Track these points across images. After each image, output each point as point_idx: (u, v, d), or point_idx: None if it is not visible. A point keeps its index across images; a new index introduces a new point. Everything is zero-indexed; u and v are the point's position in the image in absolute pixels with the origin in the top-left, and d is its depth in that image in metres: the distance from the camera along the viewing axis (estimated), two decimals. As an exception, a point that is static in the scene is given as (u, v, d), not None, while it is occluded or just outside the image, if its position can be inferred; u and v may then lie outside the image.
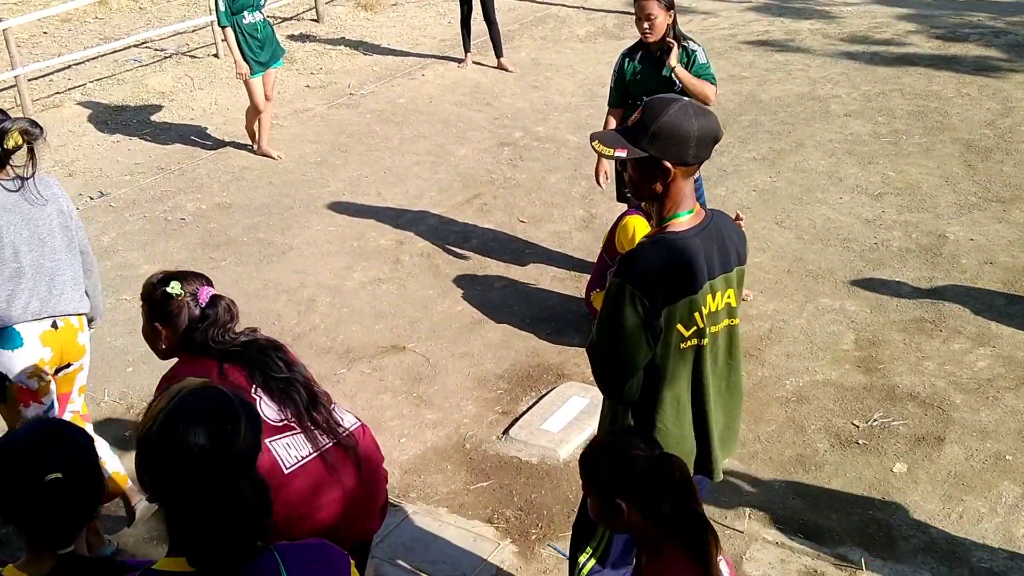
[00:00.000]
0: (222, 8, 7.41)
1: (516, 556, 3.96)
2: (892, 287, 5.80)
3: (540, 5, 12.39)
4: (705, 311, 2.69)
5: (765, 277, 5.96)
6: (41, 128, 3.53)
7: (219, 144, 8.43)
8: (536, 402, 4.92)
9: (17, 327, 3.53)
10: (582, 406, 4.80)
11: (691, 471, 2.89)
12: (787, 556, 3.88)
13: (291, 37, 11.13)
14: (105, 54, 10.48)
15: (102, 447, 3.84)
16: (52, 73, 10.02)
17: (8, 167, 3.56)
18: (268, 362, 2.85)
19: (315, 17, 11.88)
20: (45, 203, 3.62)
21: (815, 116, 8.50)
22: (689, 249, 2.64)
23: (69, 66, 10.18)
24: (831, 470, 4.36)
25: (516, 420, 4.80)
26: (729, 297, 2.76)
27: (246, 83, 7.70)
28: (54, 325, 3.62)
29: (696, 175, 2.74)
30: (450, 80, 9.91)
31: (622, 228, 5.14)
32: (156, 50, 10.78)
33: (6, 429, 3.76)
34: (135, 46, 10.78)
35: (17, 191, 3.56)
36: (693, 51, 5.26)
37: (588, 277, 5.69)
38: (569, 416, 4.74)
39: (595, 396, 4.79)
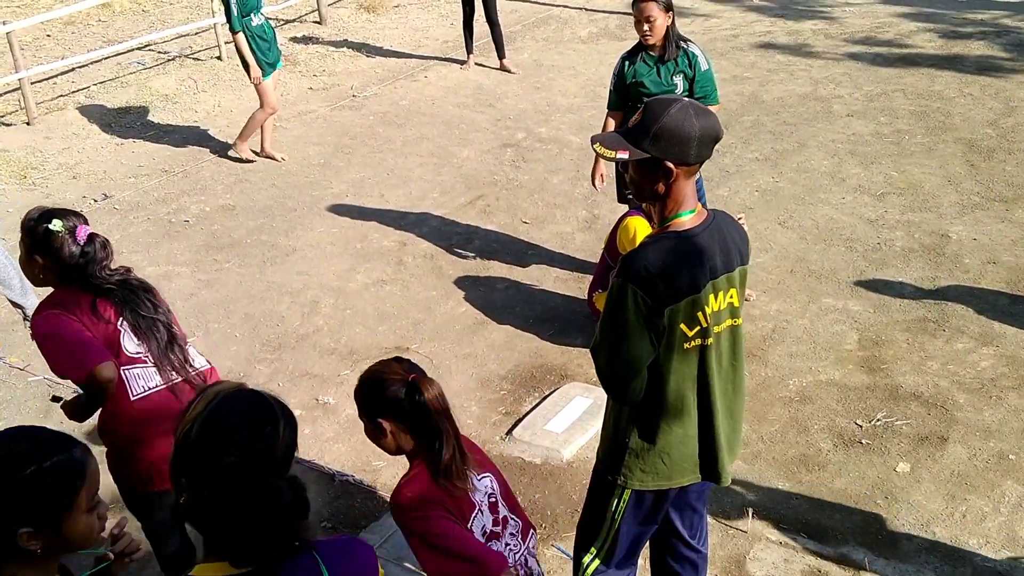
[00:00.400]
0: (235, 12, 7.41)
1: (520, 556, 3.97)
2: (895, 287, 5.80)
3: (542, 6, 12.40)
4: (708, 310, 2.69)
5: (768, 277, 5.96)
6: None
7: (223, 146, 8.44)
8: (539, 403, 4.93)
9: None
10: (585, 406, 4.80)
11: (696, 475, 2.90)
12: (790, 556, 3.88)
13: (294, 39, 11.15)
14: (109, 57, 10.50)
15: None
16: (56, 76, 10.05)
17: None
18: (138, 301, 3.16)
19: (318, 19, 11.90)
20: None
21: (817, 116, 8.51)
22: (691, 248, 2.65)
23: (73, 69, 10.20)
24: (834, 470, 4.36)
25: (520, 421, 4.81)
26: (732, 297, 2.76)
27: (259, 87, 7.71)
28: None
29: (697, 175, 2.75)
30: (453, 82, 9.92)
31: (623, 229, 5.15)
32: (160, 53, 10.80)
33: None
34: (138, 49, 10.80)
35: None
36: (694, 55, 5.27)
37: (591, 278, 5.69)
38: (572, 417, 4.75)
39: (598, 396, 4.80)
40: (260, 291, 6.16)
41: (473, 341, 5.55)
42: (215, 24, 10.38)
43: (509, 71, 10.06)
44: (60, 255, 3.08)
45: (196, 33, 11.21)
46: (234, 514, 1.74)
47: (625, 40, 10.10)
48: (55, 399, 3.28)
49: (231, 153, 8.15)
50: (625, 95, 5.38)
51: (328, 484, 4.45)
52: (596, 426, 4.61)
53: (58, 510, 1.87)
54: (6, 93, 9.50)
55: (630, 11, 5.42)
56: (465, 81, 9.93)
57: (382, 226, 6.94)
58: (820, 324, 5.48)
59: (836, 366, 5.11)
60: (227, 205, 7.39)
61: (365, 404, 2.66)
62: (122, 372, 3.08)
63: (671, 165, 2.60)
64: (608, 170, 5.70)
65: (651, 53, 5.29)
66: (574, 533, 3.19)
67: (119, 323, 3.11)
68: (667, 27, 5.20)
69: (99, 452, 4.56)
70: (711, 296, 2.69)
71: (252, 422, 1.78)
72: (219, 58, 10.48)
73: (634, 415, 2.83)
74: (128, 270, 3.25)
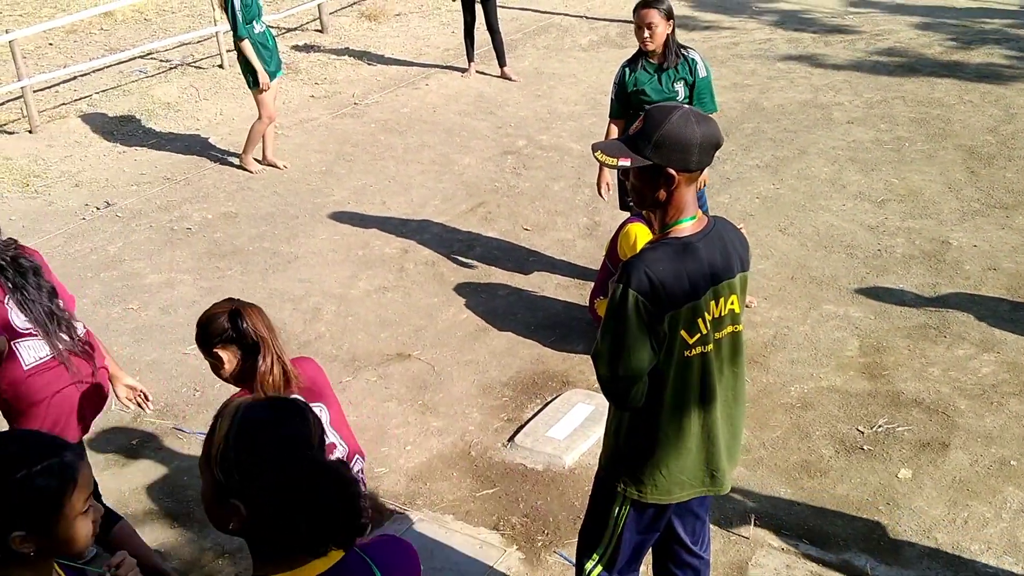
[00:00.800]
0: (240, 19, 7.43)
1: (522, 563, 3.97)
2: (896, 294, 5.81)
3: (543, 14, 12.43)
4: (708, 317, 2.70)
5: (769, 284, 5.97)
6: None
7: (225, 154, 8.46)
8: (541, 409, 4.94)
9: None
10: (587, 413, 4.81)
11: (695, 488, 2.89)
12: (792, 562, 3.89)
13: (295, 47, 11.18)
14: (111, 65, 10.53)
15: None
16: (58, 84, 10.07)
17: None
18: (27, 277, 3.39)
19: (319, 27, 11.93)
20: None
21: (818, 123, 8.53)
22: (692, 254, 2.66)
23: (75, 77, 10.22)
24: (836, 476, 4.37)
25: (521, 427, 4.81)
26: (733, 303, 2.77)
27: (258, 95, 7.72)
28: None
29: (697, 182, 2.76)
30: (454, 89, 9.94)
31: (624, 235, 5.16)
32: (161, 61, 10.83)
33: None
34: (140, 57, 10.83)
35: None
36: (694, 61, 5.30)
37: (592, 284, 5.70)
38: (574, 423, 4.76)
39: (600, 403, 4.81)
40: (262, 298, 6.17)
41: (475, 348, 5.56)
42: (217, 32, 10.41)
43: (510, 79, 10.08)
44: None
45: (198, 41, 11.24)
46: (301, 506, 1.71)
47: (626, 48, 10.13)
48: None
49: (239, 163, 8.17)
50: (626, 103, 5.40)
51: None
52: (598, 433, 4.62)
53: (50, 513, 1.88)
54: (9, 101, 9.52)
55: (631, 19, 5.44)
56: (466, 89, 9.95)
57: (384, 233, 6.96)
58: (821, 330, 5.49)
59: (837, 372, 5.11)
60: (229, 212, 7.40)
61: (203, 341, 3.01)
62: (13, 345, 3.36)
63: (672, 172, 2.61)
64: (612, 178, 5.71)
65: (651, 61, 5.31)
66: (576, 540, 3.20)
67: (5, 299, 3.35)
68: (667, 35, 5.22)
69: (94, 457, 4.56)
70: (711, 302, 2.71)
71: (280, 418, 1.78)
72: (221, 66, 10.50)
73: (634, 423, 2.84)
74: (18, 247, 3.46)
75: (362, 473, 3.11)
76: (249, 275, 6.47)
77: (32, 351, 3.40)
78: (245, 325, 2.98)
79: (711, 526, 3.45)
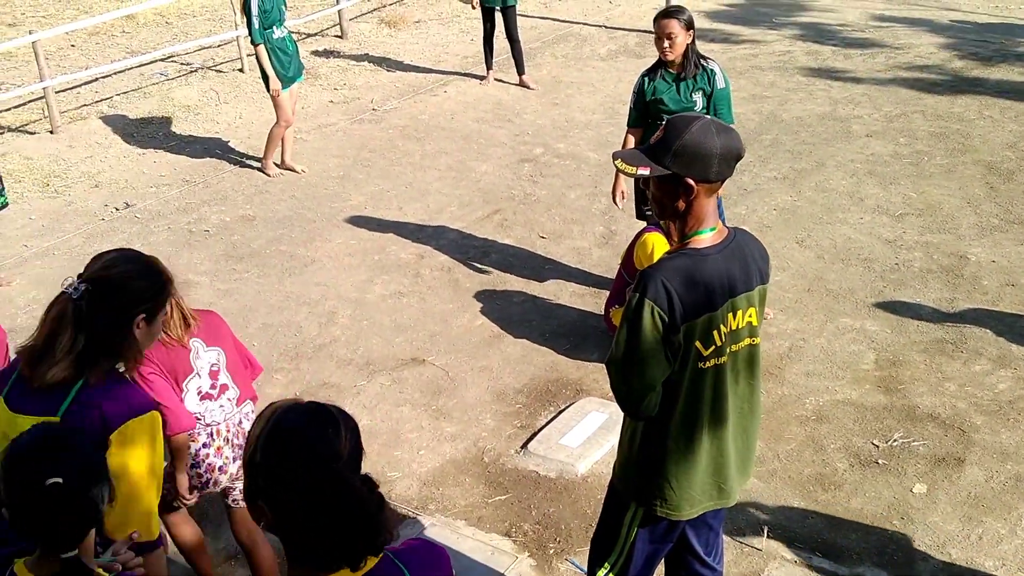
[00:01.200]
0: (256, 25, 7.49)
1: (534, 570, 3.97)
2: (913, 308, 5.78)
3: (562, 23, 12.46)
4: (724, 329, 2.69)
5: (785, 296, 5.96)
6: None
7: (244, 157, 8.51)
8: (555, 417, 4.94)
9: None
10: (601, 422, 4.80)
11: (705, 504, 2.88)
12: (805, 575, 3.87)
13: (315, 53, 11.24)
14: (132, 68, 10.61)
15: None
16: (80, 86, 10.16)
17: None
18: None
19: (339, 33, 11.99)
20: None
21: (836, 136, 8.51)
22: (710, 266, 2.65)
23: (96, 79, 10.31)
24: (850, 489, 4.35)
25: (535, 434, 4.81)
26: (751, 316, 2.76)
27: (276, 99, 7.77)
28: None
29: (717, 193, 2.75)
30: (472, 97, 9.97)
31: (641, 244, 5.16)
32: (182, 64, 10.91)
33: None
34: (161, 60, 10.91)
35: None
36: (712, 72, 5.30)
37: (607, 293, 5.70)
38: (588, 431, 4.75)
39: (614, 412, 4.80)
40: (278, 301, 6.20)
41: (489, 354, 5.56)
42: (237, 37, 10.48)
43: (528, 87, 10.10)
44: None
45: (218, 45, 11.32)
46: (320, 518, 1.73)
47: (644, 58, 10.13)
48: None
49: (261, 167, 8.22)
50: (645, 112, 5.40)
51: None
52: (611, 441, 4.61)
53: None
54: (31, 102, 9.60)
55: (649, 30, 5.45)
56: (484, 96, 9.98)
57: (400, 238, 6.98)
58: (837, 343, 5.47)
59: (853, 386, 5.09)
60: (247, 215, 7.44)
61: None
62: None
63: (692, 182, 2.61)
64: (628, 187, 5.72)
65: (670, 70, 5.32)
66: (588, 548, 3.19)
67: None
68: (687, 45, 5.23)
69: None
70: (729, 315, 2.69)
71: (312, 427, 1.78)
72: (241, 70, 10.57)
73: (646, 433, 2.82)
74: None
75: (252, 414, 3.48)
76: (266, 278, 6.49)
77: None
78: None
79: (724, 537, 3.44)
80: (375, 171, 8.22)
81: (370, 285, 6.38)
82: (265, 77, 7.73)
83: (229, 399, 3.48)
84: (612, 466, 3.03)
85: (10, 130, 9.09)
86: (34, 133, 9.06)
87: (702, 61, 5.32)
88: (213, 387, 3.44)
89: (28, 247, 7.06)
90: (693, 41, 5.27)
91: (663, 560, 3.16)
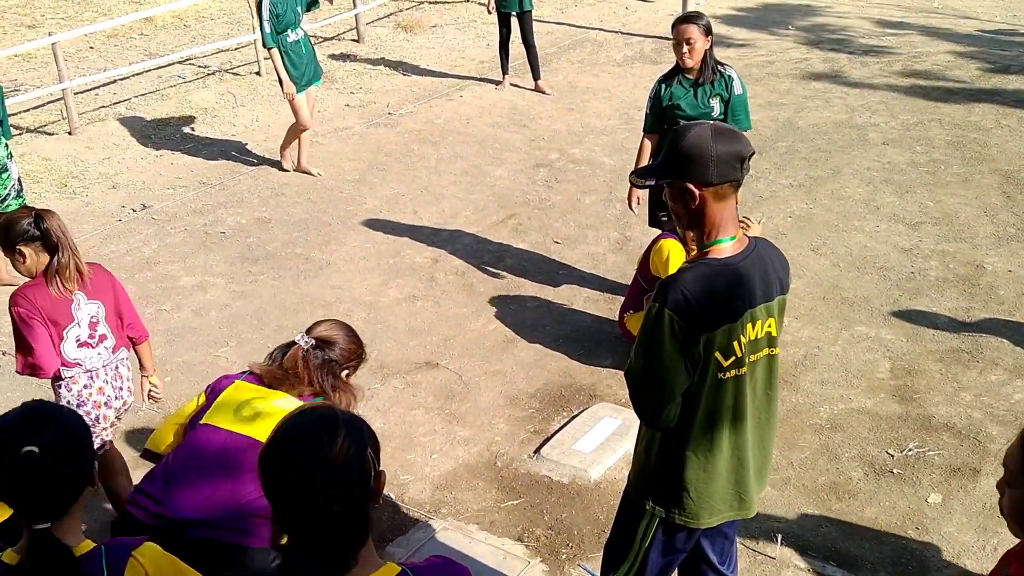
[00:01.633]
0: (268, 30, 7.54)
1: (546, 575, 3.96)
2: (929, 317, 5.76)
3: (578, 29, 12.47)
4: (744, 340, 2.67)
5: (800, 304, 5.94)
6: None
7: (260, 160, 8.55)
8: (568, 422, 4.93)
9: None
10: (614, 427, 4.80)
11: (724, 513, 2.87)
12: (819, 584, 3.85)
13: (332, 57, 11.28)
14: (150, 70, 10.68)
15: None
16: (98, 87, 10.22)
17: None
18: None
19: (356, 37, 12.04)
20: None
21: (853, 144, 8.48)
22: (730, 276, 2.63)
23: (115, 81, 10.38)
24: (865, 499, 4.33)
25: (548, 439, 4.81)
26: (770, 326, 2.74)
27: (292, 102, 7.81)
28: None
29: (733, 199, 2.73)
30: (487, 102, 9.99)
31: (656, 251, 5.15)
32: (200, 67, 10.97)
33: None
34: (179, 62, 10.97)
35: None
36: (730, 78, 5.30)
37: (622, 299, 5.70)
38: (601, 437, 4.74)
39: (627, 417, 4.80)
40: (293, 303, 6.22)
41: (503, 358, 5.56)
42: (255, 40, 10.51)
43: (544, 92, 10.11)
44: None
45: (236, 48, 11.37)
46: (316, 527, 1.76)
47: (660, 64, 10.13)
48: None
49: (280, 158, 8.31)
50: (661, 117, 5.40)
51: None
52: (624, 447, 4.61)
53: None
54: (49, 103, 9.67)
55: (665, 36, 5.45)
56: (500, 101, 9.99)
57: (415, 242, 6.99)
58: (852, 352, 5.45)
59: (868, 394, 5.07)
60: (263, 218, 7.47)
61: (7, 240, 3.64)
62: None
63: (692, 186, 2.61)
64: (643, 193, 5.72)
65: (688, 76, 5.32)
66: (600, 554, 3.19)
67: None
68: (705, 50, 5.23)
69: (124, 455, 4.60)
70: (748, 325, 2.67)
71: (308, 435, 1.79)
72: (258, 73, 10.62)
73: (665, 442, 2.81)
74: None
75: (128, 360, 4.00)
76: (281, 280, 6.52)
77: None
78: (46, 226, 3.65)
79: (738, 545, 3.42)
80: (390, 175, 8.24)
81: (385, 288, 6.39)
82: (281, 81, 7.78)
83: (106, 347, 3.90)
84: (625, 472, 3.02)
85: (29, 131, 9.16)
86: (53, 134, 9.12)
87: (720, 67, 5.32)
88: (92, 336, 3.84)
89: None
90: (711, 47, 5.27)
91: (677, 568, 3.15)
